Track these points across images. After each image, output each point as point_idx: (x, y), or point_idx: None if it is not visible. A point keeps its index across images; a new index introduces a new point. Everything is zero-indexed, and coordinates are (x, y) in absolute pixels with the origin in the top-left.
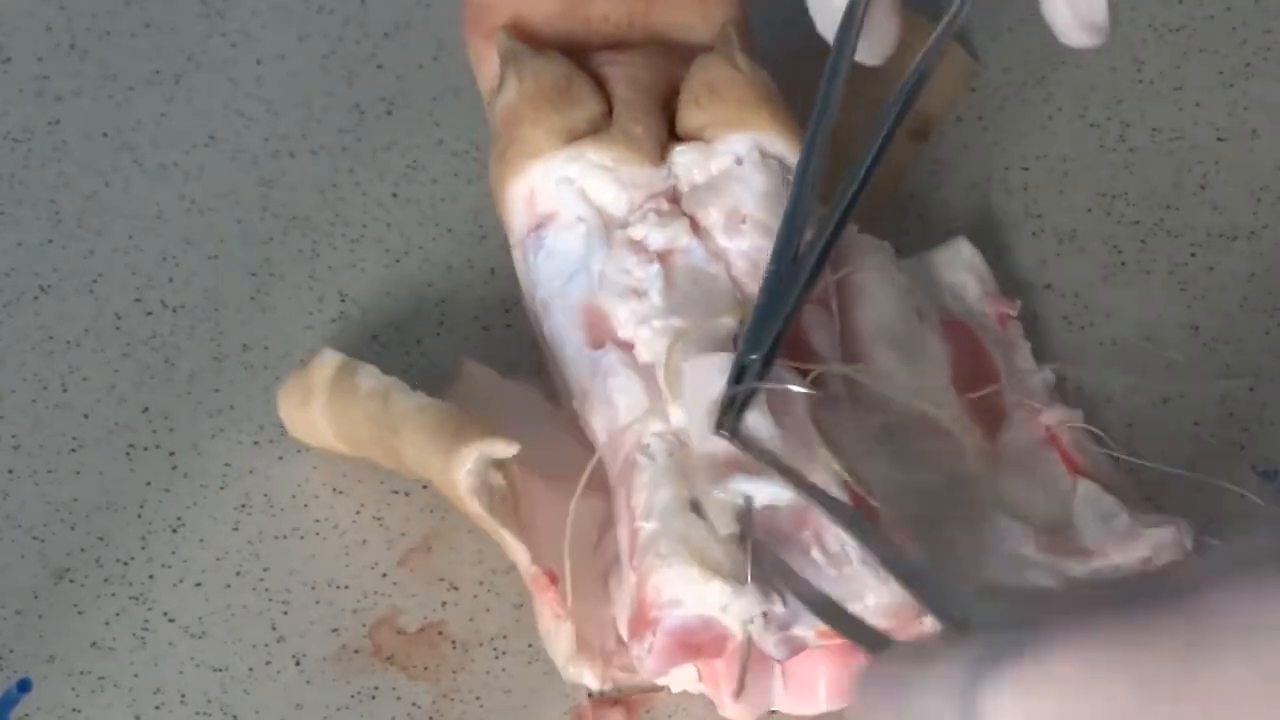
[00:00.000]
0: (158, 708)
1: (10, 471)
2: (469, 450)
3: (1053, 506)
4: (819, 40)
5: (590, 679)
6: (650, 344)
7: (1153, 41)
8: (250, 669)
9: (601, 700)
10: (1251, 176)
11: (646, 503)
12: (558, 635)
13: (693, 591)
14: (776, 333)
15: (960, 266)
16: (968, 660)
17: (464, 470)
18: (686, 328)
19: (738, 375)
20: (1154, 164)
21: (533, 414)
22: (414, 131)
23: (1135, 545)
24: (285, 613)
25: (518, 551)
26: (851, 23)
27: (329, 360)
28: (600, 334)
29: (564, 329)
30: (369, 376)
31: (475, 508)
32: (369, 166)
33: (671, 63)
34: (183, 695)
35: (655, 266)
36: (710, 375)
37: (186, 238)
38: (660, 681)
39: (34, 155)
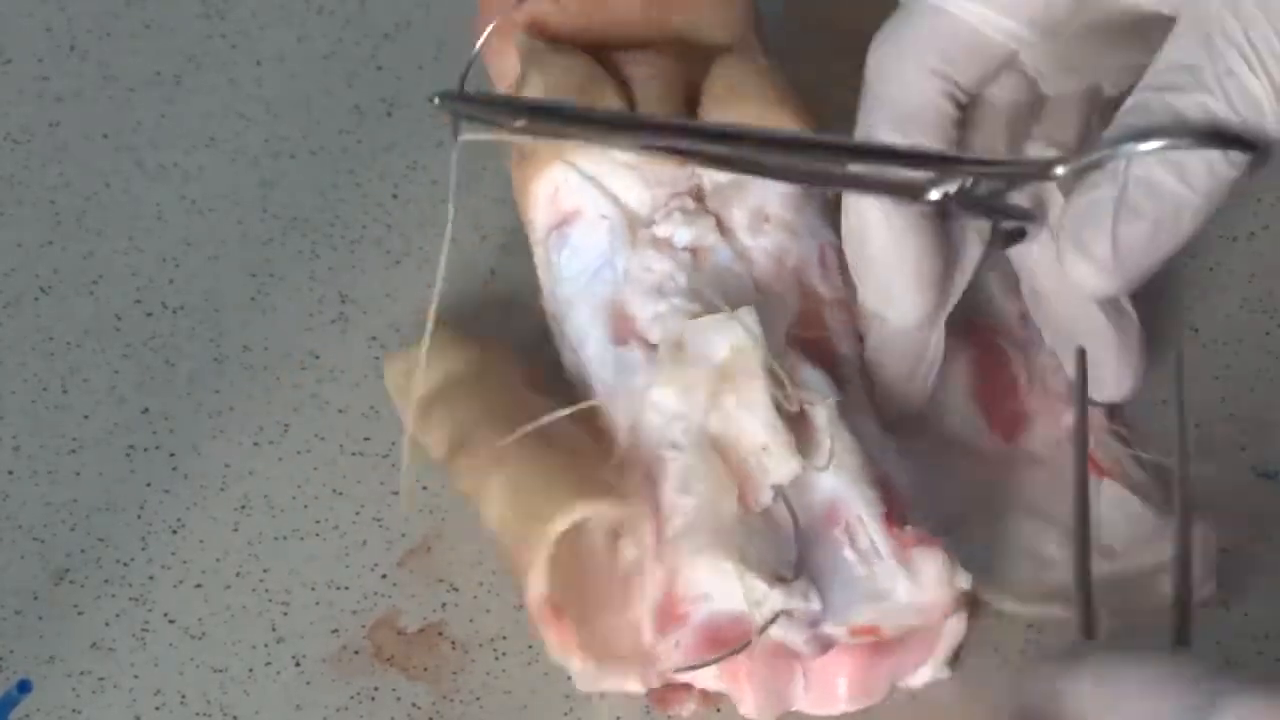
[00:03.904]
0: (158, 708)
1: (10, 472)
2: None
3: None
4: (813, 40)
5: (634, 684)
6: (665, 320)
7: None
8: (250, 670)
9: (675, 685)
10: None
11: (677, 497)
12: (569, 667)
13: (724, 586)
14: None
15: None
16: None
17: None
18: (702, 315)
19: None
20: None
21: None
22: (414, 132)
23: (1161, 546)
24: (285, 614)
25: (536, 584)
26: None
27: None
28: (624, 331)
29: (588, 326)
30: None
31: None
32: (369, 167)
33: (691, 63)
34: (183, 696)
35: (685, 255)
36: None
37: (186, 239)
38: (681, 679)
39: (34, 156)
